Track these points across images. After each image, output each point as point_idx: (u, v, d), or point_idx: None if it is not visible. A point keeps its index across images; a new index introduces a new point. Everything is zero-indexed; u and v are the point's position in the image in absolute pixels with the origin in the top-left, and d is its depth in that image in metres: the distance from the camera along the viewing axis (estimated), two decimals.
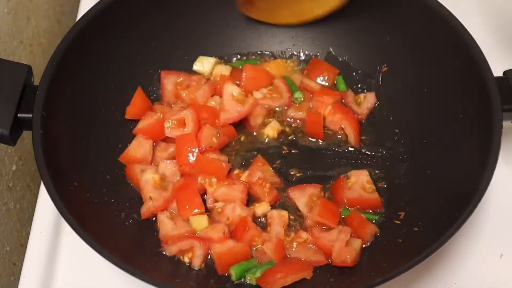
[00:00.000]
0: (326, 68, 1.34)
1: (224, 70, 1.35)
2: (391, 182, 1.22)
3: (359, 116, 1.29)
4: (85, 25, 1.18)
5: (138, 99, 1.28)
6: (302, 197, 1.19)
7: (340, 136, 1.28)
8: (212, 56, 1.37)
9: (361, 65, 1.34)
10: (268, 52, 1.39)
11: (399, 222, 1.15)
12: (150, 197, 1.16)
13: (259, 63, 1.37)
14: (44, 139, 1.05)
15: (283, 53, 1.38)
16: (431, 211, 1.10)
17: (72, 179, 1.10)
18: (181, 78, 1.33)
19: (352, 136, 1.26)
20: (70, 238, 1.20)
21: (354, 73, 1.35)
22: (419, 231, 1.09)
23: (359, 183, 1.20)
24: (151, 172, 1.19)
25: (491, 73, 1.09)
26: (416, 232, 1.09)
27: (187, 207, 1.15)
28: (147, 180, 1.18)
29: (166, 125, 1.23)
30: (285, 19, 1.33)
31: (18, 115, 1.07)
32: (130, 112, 1.27)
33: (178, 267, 1.10)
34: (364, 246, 1.13)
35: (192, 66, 1.36)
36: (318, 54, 1.37)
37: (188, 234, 1.13)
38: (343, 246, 1.09)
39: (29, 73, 1.12)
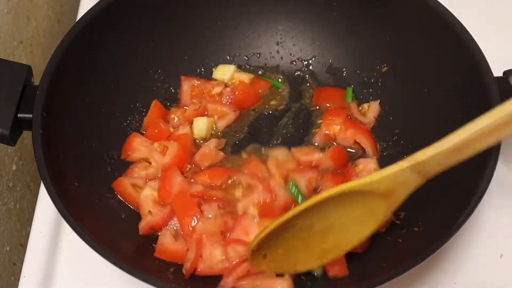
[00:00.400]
0: (332, 93, 1.34)
1: (244, 77, 1.35)
2: None
3: (367, 126, 1.29)
4: (85, 25, 1.18)
5: (155, 111, 1.29)
6: (302, 178, 1.19)
7: (353, 151, 1.27)
8: (212, 56, 1.37)
9: (361, 65, 1.34)
10: (268, 52, 1.39)
11: (399, 222, 1.15)
12: (150, 211, 1.14)
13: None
14: (44, 139, 1.05)
15: (282, 55, 1.39)
16: (431, 211, 1.10)
17: (72, 179, 1.10)
18: (198, 82, 1.33)
19: (369, 148, 1.25)
20: (70, 238, 1.20)
21: (354, 73, 1.35)
22: (419, 231, 1.09)
23: (366, 170, 1.20)
24: (150, 188, 1.17)
25: (491, 73, 1.09)
26: (416, 232, 1.09)
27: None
28: (146, 196, 1.16)
29: (155, 145, 1.23)
30: (309, 265, 1.06)
31: (18, 115, 1.07)
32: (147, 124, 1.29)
33: (179, 267, 1.10)
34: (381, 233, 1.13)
35: (192, 66, 1.36)
36: (316, 55, 1.37)
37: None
38: None
39: (29, 73, 1.12)
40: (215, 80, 1.36)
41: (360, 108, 1.31)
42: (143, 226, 1.13)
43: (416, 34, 1.23)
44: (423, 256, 0.96)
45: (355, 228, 1.00)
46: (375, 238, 1.14)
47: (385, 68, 1.31)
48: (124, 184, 1.18)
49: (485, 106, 1.06)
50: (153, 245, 1.12)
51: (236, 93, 1.32)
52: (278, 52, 1.39)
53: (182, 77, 1.34)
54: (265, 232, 0.98)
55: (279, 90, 1.36)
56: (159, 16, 1.29)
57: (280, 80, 1.37)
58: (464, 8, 1.22)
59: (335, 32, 1.35)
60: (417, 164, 0.93)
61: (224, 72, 1.35)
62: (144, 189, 1.17)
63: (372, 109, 1.30)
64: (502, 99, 1.06)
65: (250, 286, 1.05)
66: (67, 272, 1.18)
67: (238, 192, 1.17)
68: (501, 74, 1.12)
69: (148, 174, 1.21)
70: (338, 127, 1.27)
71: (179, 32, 1.33)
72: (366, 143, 1.26)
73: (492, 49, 1.15)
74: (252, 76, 1.36)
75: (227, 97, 1.32)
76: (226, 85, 1.34)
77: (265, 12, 1.36)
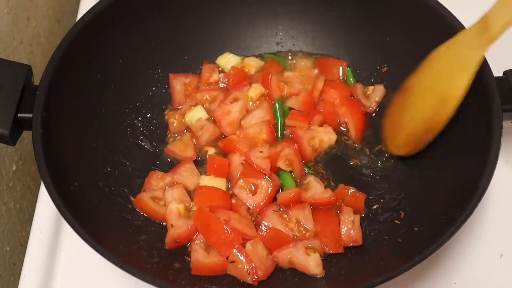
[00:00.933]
0: (334, 64, 1.34)
1: (252, 64, 1.35)
2: (391, 182, 1.22)
3: (369, 109, 1.29)
4: (85, 25, 1.18)
5: None
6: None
7: (345, 128, 1.28)
8: (212, 56, 1.37)
9: (361, 65, 1.34)
10: (268, 52, 1.39)
11: (399, 222, 1.15)
12: (172, 225, 1.13)
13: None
14: (44, 139, 1.05)
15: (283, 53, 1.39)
16: (431, 211, 1.10)
17: (72, 179, 1.10)
18: (188, 79, 1.33)
19: (353, 131, 1.27)
20: (70, 238, 1.20)
21: (354, 73, 1.34)
22: (419, 231, 1.09)
23: (315, 139, 1.24)
24: (176, 202, 1.15)
25: (491, 73, 1.09)
26: (416, 232, 1.09)
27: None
28: (171, 210, 1.14)
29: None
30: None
31: (18, 115, 1.07)
32: None
33: (180, 267, 1.10)
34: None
35: (191, 66, 1.36)
36: (316, 56, 1.37)
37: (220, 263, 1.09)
38: (350, 227, 1.12)
39: (29, 73, 1.12)
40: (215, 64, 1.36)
41: (365, 90, 1.31)
42: (167, 241, 1.13)
43: (416, 34, 1.23)
44: (423, 256, 0.96)
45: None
46: (375, 238, 1.14)
47: (385, 68, 1.31)
48: (144, 200, 1.17)
49: (485, 106, 1.07)
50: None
51: (231, 79, 1.32)
52: (278, 52, 1.39)
53: (171, 75, 1.33)
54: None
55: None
56: (159, 16, 1.29)
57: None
58: (465, 8, 1.22)
59: (335, 32, 1.35)
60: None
61: (228, 62, 1.35)
62: (169, 205, 1.15)
63: (376, 93, 1.30)
64: (502, 99, 1.06)
65: (285, 257, 1.09)
66: (67, 272, 1.18)
67: None
68: (501, 74, 1.12)
69: (165, 183, 1.20)
70: (337, 100, 1.28)
71: (179, 32, 1.33)
72: (352, 126, 1.27)
73: (492, 49, 1.15)
74: (261, 63, 1.36)
75: (223, 84, 1.33)
76: (220, 72, 1.35)
77: (265, 12, 1.36)
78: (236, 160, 1.21)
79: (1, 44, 1.36)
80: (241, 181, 1.18)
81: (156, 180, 1.21)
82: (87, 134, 1.19)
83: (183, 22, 1.33)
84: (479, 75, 1.09)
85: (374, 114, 1.30)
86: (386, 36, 1.29)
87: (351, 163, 1.25)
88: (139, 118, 1.30)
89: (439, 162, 1.16)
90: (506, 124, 1.06)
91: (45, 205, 1.24)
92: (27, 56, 1.50)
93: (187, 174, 1.22)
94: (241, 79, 1.32)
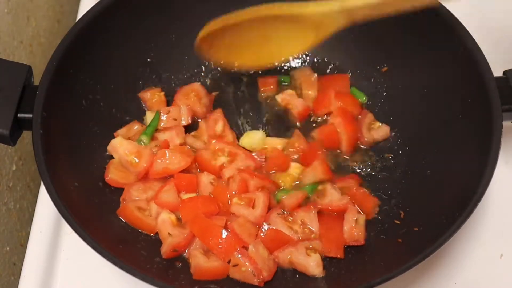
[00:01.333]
0: (335, 78, 1.34)
1: (276, 142, 1.27)
2: (391, 182, 1.22)
3: (361, 140, 1.26)
4: (85, 25, 1.18)
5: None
6: None
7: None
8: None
9: (361, 65, 1.34)
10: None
11: (399, 222, 1.15)
12: (169, 233, 1.11)
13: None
14: (44, 139, 1.05)
15: None
16: (431, 211, 1.10)
17: (72, 179, 1.10)
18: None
19: (345, 143, 1.25)
20: (70, 238, 1.20)
21: (354, 73, 1.35)
22: (419, 231, 1.09)
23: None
24: (167, 212, 1.13)
25: (491, 73, 1.09)
26: (416, 232, 1.09)
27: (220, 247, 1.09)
28: (164, 220, 1.13)
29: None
30: (248, 63, 1.23)
31: (18, 115, 1.07)
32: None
33: (180, 267, 1.10)
34: (368, 219, 1.16)
35: (191, 66, 1.36)
36: (316, 56, 1.37)
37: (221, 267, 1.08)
38: (352, 226, 1.12)
39: (29, 73, 1.12)
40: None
41: (373, 122, 1.28)
42: (165, 250, 1.10)
43: (416, 34, 1.23)
44: (423, 256, 0.96)
45: (288, 45, 1.17)
46: (375, 238, 1.14)
47: (385, 68, 1.31)
48: (130, 209, 1.14)
49: (485, 106, 1.07)
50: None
51: (272, 161, 1.23)
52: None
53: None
54: (215, 24, 1.15)
55: (285, 84, 1.35)
56: (158, 16, 1.29)
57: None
58: (464, 8, 1.22)
59: (335, 33, 1.35)
60: (346, 10, 1.06)
61: (252, 140, 1.27)
62: (160, 215, 1.13)
63: (379, 131, 1.27)
64: (502, 99, 1.06)
65: (285, 257, 1.09)
66: (67, 272, 1.18)
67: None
68: (501, 74, 1.12)
69: (148, 197, 1.17)
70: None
71: (180, 32, 1.33)
72: (345, 137, 1.25)
73: (492, 49, 1.15)
74: (284, 141, 1.26)
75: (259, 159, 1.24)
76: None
77: None
78: (205, 179, 1.18)
79: (1, 44, 1.36)
80: (235, 199, 1.14)
81: (138, 192, 1.17)
82: (87, 134, 1.19)
83: (182, 23, 1.33)
84: (479, 75, 1.09)
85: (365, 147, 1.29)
86: (386, 36, 1.28)
87: (351, 164, 1.25)
88: (139, 119, 1.29)
89: (439, 162, 1.16)
90: (506, 124, 1.06)
91: (45, 205, 1.24)
92: (27, 56, 1.50)
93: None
94: (282, 163, 1.23)
